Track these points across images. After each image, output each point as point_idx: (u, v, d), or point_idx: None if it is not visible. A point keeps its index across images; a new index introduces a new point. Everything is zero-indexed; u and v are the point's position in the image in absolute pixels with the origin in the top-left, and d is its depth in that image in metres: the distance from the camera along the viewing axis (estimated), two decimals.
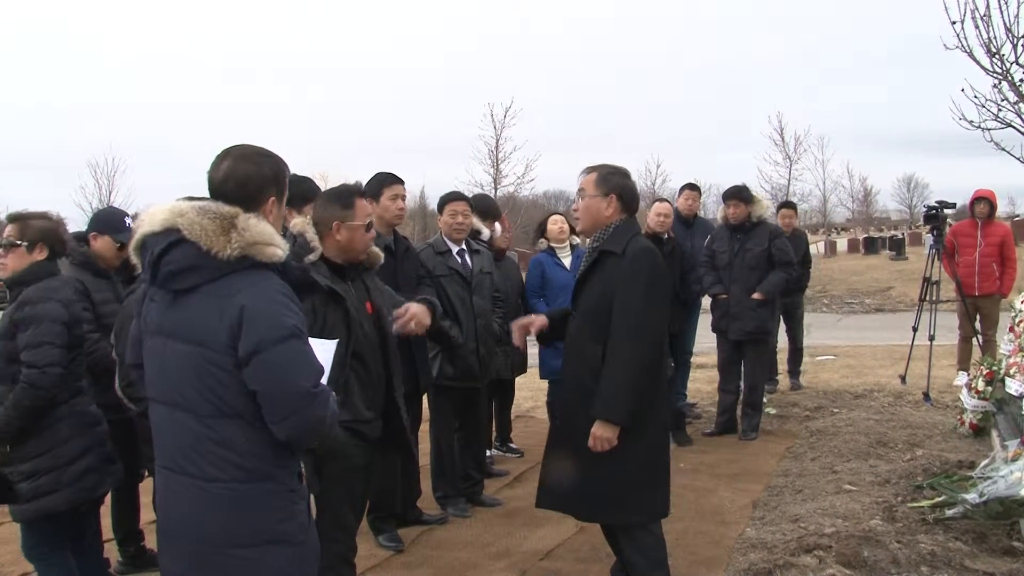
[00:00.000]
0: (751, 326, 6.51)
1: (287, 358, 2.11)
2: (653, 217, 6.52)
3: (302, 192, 4.00)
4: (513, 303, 5.89)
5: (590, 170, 3.56)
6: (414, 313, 3.38)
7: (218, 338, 2.11)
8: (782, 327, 8.32)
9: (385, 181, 4.47)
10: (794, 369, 8.42)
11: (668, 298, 3.49)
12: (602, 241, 3.46)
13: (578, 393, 3.44)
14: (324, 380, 2.38)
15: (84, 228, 4.20)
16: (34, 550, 3.27)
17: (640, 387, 3.31)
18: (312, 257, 3.19)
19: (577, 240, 6.35)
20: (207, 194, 2.29)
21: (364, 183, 4.52)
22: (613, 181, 3.48)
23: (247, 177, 2.24)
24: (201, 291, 2.15)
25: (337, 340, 2.67)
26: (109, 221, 4.01)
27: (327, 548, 2.81)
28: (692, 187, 7.62)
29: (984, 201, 8.04)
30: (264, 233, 2.16)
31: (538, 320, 3.72)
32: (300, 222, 3.29)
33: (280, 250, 2.18)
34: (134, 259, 2.28)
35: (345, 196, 3.33)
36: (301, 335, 2.16)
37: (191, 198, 2.27)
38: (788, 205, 9.03)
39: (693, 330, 7.19)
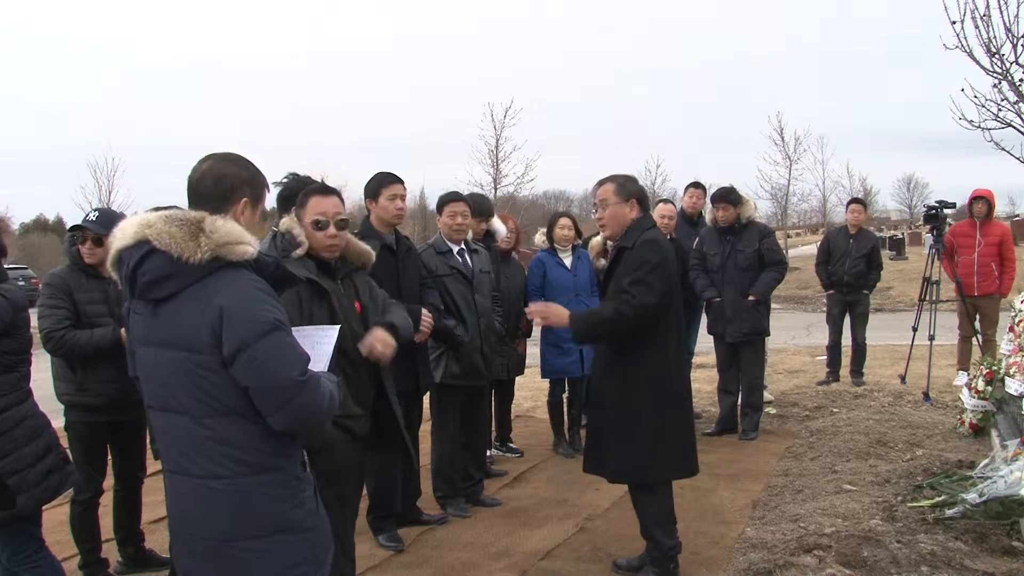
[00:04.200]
0: (747, 327, 6.51)
1: (271, 351, 2.14)
2: (656, 219, 6.46)
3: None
4: (516, 304, 5.89)
5: (606, 181, 3.92)
6: (371, 342, 3.21)
7: (202, 341, 2.14)
8: (846, 324, 8.40)
9: (384, 181, 4.45)
10: (857, 368, 8.40)
11: (670, 281, 3.75)
12: (620, 239, 3.85)
13: (606, 375, 3.85)
14: (326, 367, 2.40)
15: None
16: (16, 555, 3.22)
17: (605, 339, 3.85)
18: (298, 252, 3.19)
19: (579, 240, 6.37)
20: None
21: (365, 183, 4.52)
22: (630, 188, 3.88)
23: (223, 175, 2.29)
24: (180, 297, 2.18)
25: (339, 326, 2.66)
26: (109, 222, 3.98)
27: None
28: (697, 185, 7.59)
29: (982, 200, 8.04)
30: (232, 233, 2.19)
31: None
32: (286, 221, 3.28)
33: (250, 247, 2.21)
34: (112, 274, 2.32)
35: (302, 195, 3.33)
36: (282, 327, 2.19)
37: (158, 208, 2.30)
38: (857, 201, 9.00)
39: (695, 330, 7.18)
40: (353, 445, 3.31)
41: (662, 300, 3.69)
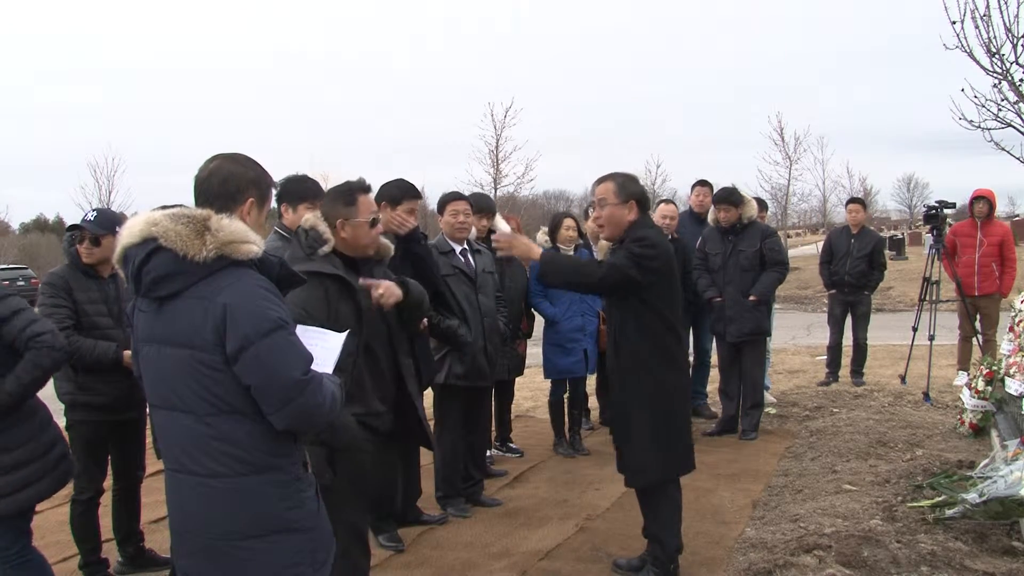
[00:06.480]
0: (748, 327, 6.52)
1: (274, 350, 2.15)
2: (658, 219, 6.50)
3: (299, 191, 3.98)
4: (518, 305, 5.88)
5: (605, 180, 3.80)
6: (378, 283, 3.31)
7: (205, 339, 2.15)
8: (847, 323, 8.40)
9: (408, 192, 4.39)
10: (857, 368, 8.40)
11: (666, 275, 3.70)
12: (619, 242, 3.78)
13: (614, 371, 3.82)
14: (330, 369, 2.41)
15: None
16: (8, 551, 3.17)
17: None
18: (325, 249, 3.20)
19: (581, 240, 6.36)
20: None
21: (381, 185, 4.50)
22: (630, 188, 3.77)
23: (230, 175, 2.30)
24: (184, 295, 2.18)
25: (348, 331, 2.67)
26: (106, 222, 3.98)
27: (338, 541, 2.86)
28: (704, 183, 7.54)
29: (983, 200, 8.05)
30: (238, 231, 2.20)
31: None
32: (311, 217, 3.27)
33: (255, 246, 2.22)
34: (119, 271, 2.32)
35: (347, 193, 3.32)
36: (286, 325, 2.19)
37: (165, 207, 2.32)
38: (855, 200, 8.97)
39: (706, 330, 7.14)
40: (374, 443, 3.32)
41: (642, 278, 3.59)
